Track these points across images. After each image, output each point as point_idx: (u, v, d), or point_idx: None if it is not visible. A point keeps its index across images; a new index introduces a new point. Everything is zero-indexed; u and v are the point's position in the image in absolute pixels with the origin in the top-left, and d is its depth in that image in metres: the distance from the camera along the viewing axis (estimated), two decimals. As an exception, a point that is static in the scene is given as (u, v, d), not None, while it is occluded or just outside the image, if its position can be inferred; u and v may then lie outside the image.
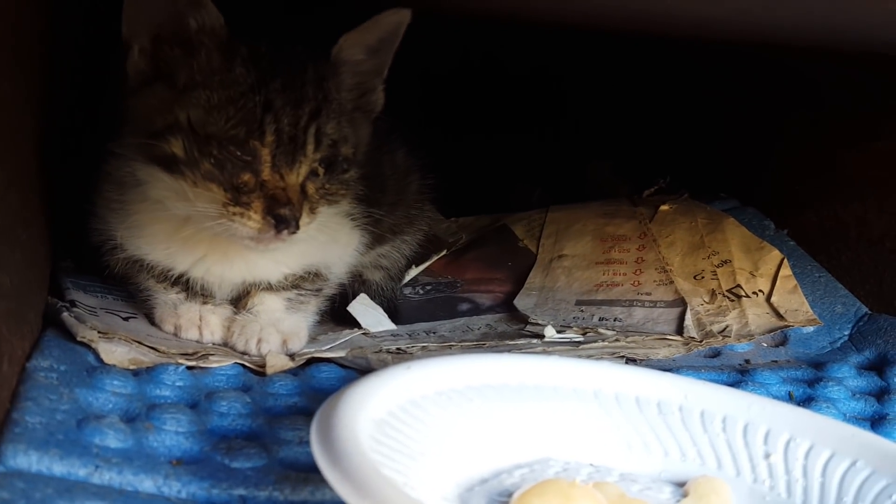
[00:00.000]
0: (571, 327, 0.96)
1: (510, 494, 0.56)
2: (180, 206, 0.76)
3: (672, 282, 1.04)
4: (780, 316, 0.98)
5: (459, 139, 1.41)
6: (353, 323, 0.95)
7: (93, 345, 0.73)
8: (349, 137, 0.78)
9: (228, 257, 0.83)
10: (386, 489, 0.45)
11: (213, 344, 0.83)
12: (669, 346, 0.91)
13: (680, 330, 0.96)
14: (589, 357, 0.86)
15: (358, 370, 0.81)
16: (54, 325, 0.76)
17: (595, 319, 1.00)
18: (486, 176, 1.39)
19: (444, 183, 1.07)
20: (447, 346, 0.91)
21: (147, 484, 0.57)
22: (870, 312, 0.99)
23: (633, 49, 1.35)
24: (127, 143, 0.77)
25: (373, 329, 0.94)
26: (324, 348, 0.86)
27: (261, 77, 0.73)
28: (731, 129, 1.30)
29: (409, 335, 0.96)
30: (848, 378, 0.86)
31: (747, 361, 0.91)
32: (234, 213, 0.73)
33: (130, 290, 0.89)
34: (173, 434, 0.63)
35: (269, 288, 0.86)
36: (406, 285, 1.11)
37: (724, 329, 0.95)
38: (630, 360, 0.87)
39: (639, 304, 1.02)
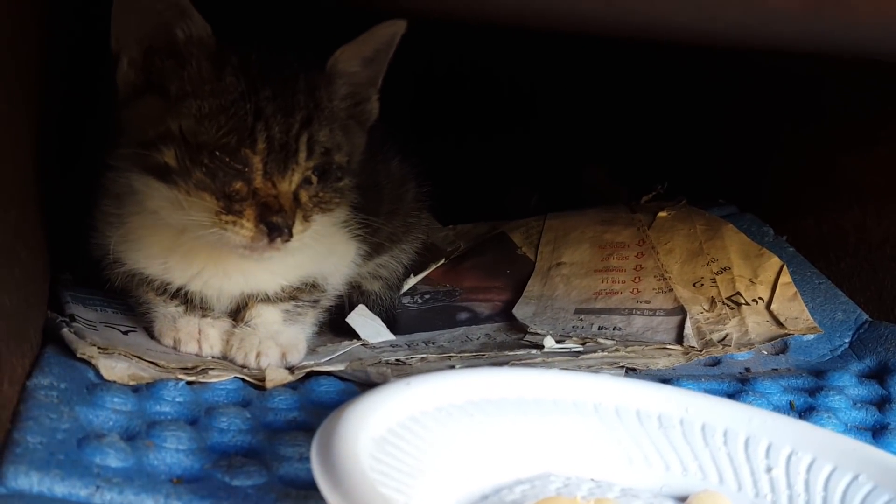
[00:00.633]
0: (571, 337, 0.96)
1: (511, 511, 0.56)
2: (175, 216, 0.76)
3: (671, 289, 1.04)
4: (780, 324, 0.98)
5: (453, 144, 1.41)
6: (351, 334, 0.94)
7: (93, 361, 0.73)
8: (343, 146, 0.78)
9: (226, 270, 0.83)
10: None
11: (213, 357, 0.83)
12: (669, 355, 0.91)
13: (680, 339, 0.96)
14: (588, 367, 0.86)
15: (357, 383, 0.81)
16: (54, 340, 0.76)
17: (594, 328, 1.00)
18: (481, 181, 1.39)
19: (439, 189, 1.07)
20: (446, 357, 0.91)
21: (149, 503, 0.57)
22: (870, 320, 0.99)
23: (630, 53, 1.34)
24: (121, 154, 0.77)
25: (372, 340, 0.94)
26: (322, 361, 0.86)
27: (251, 85, 0.73)
28: (729, 133, 1.30)
29: (409, 346, 0.96)
30: (849, 387, 0.86)
31: (747, 370, 0.91)
32: (227, 222, 0.73)
33: (130, 303, 0.89)
34: (174, 452, 0.63)
35: (267, 300, 0.86)
36: (404, 294, 1.11)
37: (724, 338, 0.95)
38: (630, 370, 0.87)
39: (638, 312, 1.02)
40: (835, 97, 1.11)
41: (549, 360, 0.87)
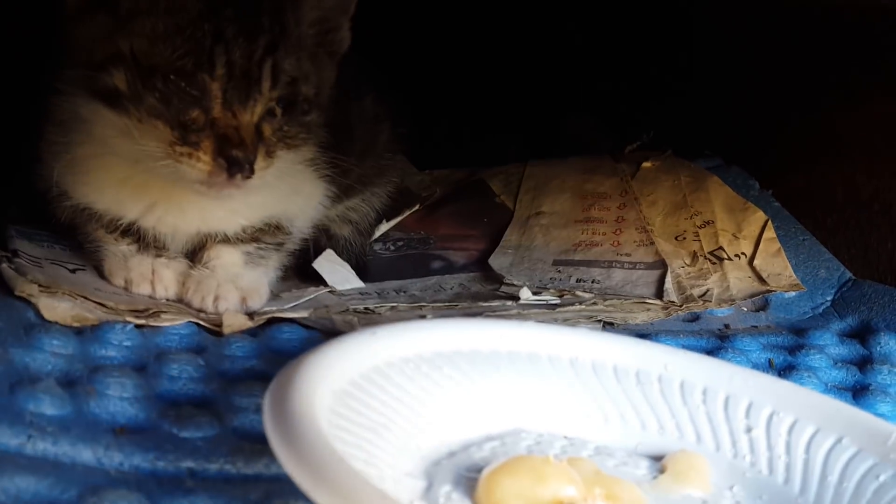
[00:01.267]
0: (548, 289, 0.93)
1: (479, 469, 0.52)
2: (125, 146, 0.70)
3: (653, 243, 1.01)
4: (762, 280, 0.95)
5: (430, 85, 1.35)
6: (318, 280, 0.90)
7: (32, 300, 0.68)
8: (310, 77, 0.73)
9: (181, 206, 0.77)
10: (345, 475, 0.41)
11: (167, 300, 0.79)
12: (648, 310, 0.87)
13: (660, 293, 0.92)
14: (565, 321, 0.82)
15: (322, 331, 0.76)
16: (-8, 277, 0.71)
17: (573, 281, 0.96)
18: (460, 125, 1.33)
19: (416, 131, 1.01)
20: (418, 307, 0.87)
21: (86, 455, 0.53)
22: (854, 278, 0.96)
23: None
24: (67, 77, 0.72)
25: (339, 287, 0.90)
26: (286, 307, 0.81)
27: (211, 4, 0.67)
28: (715, 83, 1.26)
29: (378, 294, 0.92)
30: (829, 346, 0.84)
31: (727, 326, 0.88)
32: (182, 154, 0.67)
33: (79, 239, 0.83)
34: (117, 400, 0.59)
35: (227, 240, 0.81)
36: (376, 241, 1.07)
37: (705, 293, 0.92)
38: (607, 325, 0.84)
39: (618, 265, 0.99)
40: (826, 50, 1.06)
41: (524, 313, 0.84)
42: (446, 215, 1.13)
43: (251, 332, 0.74)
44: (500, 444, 0.57)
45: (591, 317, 0.84)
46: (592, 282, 0.96)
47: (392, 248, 1.07)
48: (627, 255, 1.00)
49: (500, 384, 0.61)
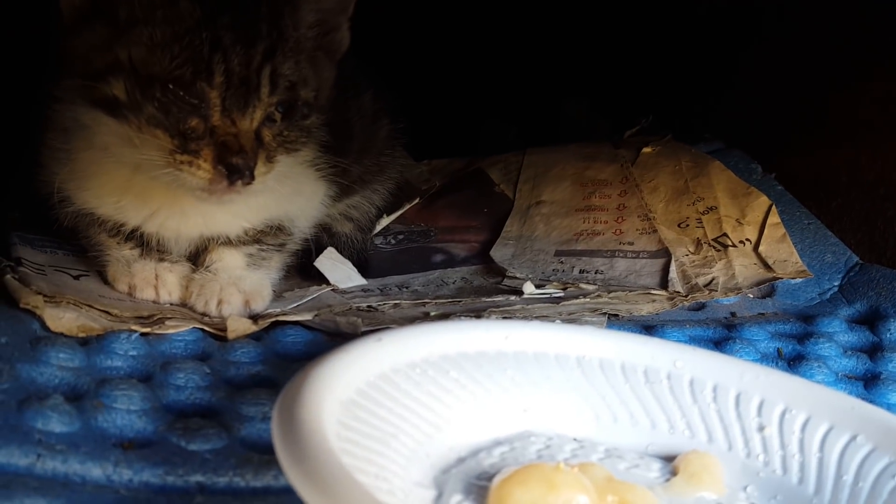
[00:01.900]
0: (551, 281, 0.92)
1: (489, 477, 0.52)
2: (126, 154, 0.70)
3: (655, 230, 1.00)
4: (768, 267, 0.94)
5: (426, 72, 1.33)
6: (320, 278, 0.89)
7: (37, 311, 0.68)
8: (309, 80, 0.72)
9: (184, 210, 0.77)
10: (356, 494, 0.41)
11: (171, 305, 0.78)
12: (654, 301, 0.87)
13: (664, 283, 0.92)
14: (570, 314, 0.82)
15: (326, 333, 0.76)
16: (-3, 286, 0.70)
17: (576, 272, 0.96)
18: (456, 112, 1.32)
19: (413, 122, 1.00)
20: (421, 303, 0.86)
21: (95, 473, 0.52)
22: (861, 262, 0.96)
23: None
24: (67, 86, 0.71)
25: (342, 285, 0.89)
26: (289, 308, 0.81)
27: (208, 12, 0.66)
28: (715, 65, 1.24)
29: (381, 290, 0.91)
30: (839, 333, 0.83)
31: (733, 314, 0.88)
32: (182, 162, 0.67)
33: (82, 244, 0.83)
34: (125, 413, 0.58)
35: (229, 243, 0.80)
36: (377, 235, 1.06)
37: (710, 282, 0.91)
38: (612, 317, 0.83)
39: (621, 254, 0.98)
40: (826, 29, 1.05)
41: (528, 307, 0.83)
42: (446, 206, 1.12)
43: (255, 336, 0.74)
44: (509, 449, 0.57)
45: (596, 309, 0.83)
46: (595, 272, 0.95)
47: (393, 241, 1.06)
48: (630, 243, 0.99)
49: (508, 386, 0.61)
